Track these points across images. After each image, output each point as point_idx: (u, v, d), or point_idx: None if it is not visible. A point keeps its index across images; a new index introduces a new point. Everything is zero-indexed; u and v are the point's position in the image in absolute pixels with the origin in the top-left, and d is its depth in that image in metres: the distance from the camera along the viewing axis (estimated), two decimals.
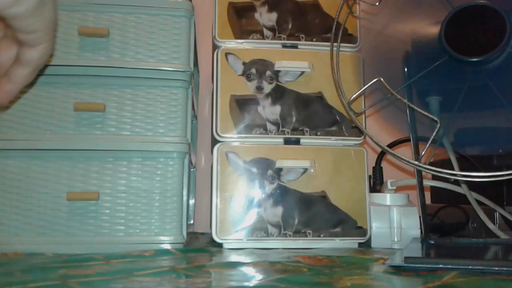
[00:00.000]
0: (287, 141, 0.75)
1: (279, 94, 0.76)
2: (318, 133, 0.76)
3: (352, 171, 0.75)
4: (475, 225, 0.82)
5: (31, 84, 0.69)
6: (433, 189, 0.95)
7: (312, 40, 0.79)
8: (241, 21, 0.78)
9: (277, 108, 0.75)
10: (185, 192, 0.70)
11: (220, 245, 0.72)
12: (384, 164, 0.88)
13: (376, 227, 0.73)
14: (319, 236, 0.73)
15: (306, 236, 0.72)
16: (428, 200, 0.96)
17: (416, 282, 0.43)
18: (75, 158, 0.68)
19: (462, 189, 0.78)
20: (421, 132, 0.68)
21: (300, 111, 0.76)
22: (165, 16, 0.72)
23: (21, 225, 0.66)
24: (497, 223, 0.81)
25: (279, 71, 0.76)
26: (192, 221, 0.98)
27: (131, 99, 0.70)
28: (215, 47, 0.78)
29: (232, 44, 0.77)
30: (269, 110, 0.75)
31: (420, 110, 0.61)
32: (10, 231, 0.66)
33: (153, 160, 0.69)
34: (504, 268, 0.47)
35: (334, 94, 0.77)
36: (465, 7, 0.61)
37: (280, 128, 0.75)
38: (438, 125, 0.58)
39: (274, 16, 0.79)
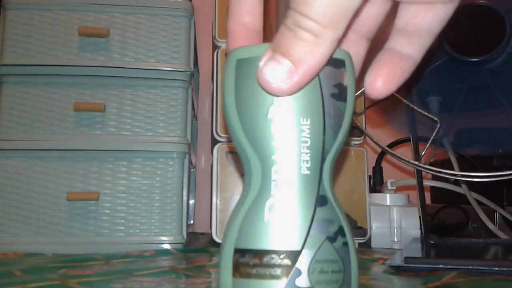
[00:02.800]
0: None
1: None
2: None
3: (352, 171, 0.75)
4: (475, 225, 0.82)
5: (31, 84, 0.69)
6: (433, 189, 0.95)
7: None
8: None
9: None
10: (185, 192, 0.70)
11: (220, 245, 0.71)
12: (384, 164, 0.88)
13: (376, 227, 0.73)
14: None
15: None
16: (428, 200, 0.96)
17: (416, 282, 0.43)
18: (75, 158, 0.68)
19: (462, 189, 0.78)
20: (421, 132, 0.68)
21: None
22: (165, 16, 0.72)
23: (21, 225, 0.66)
24: (497, 223, 0.81)
25: None
26: (192, 221, 0.98)
27: (131, 99, 0.70)
28: (215, 47, 0.78)
29: None
30: None
31: (420, 110, 0.61)
32: (10, 231, 0.66)
33: (153, 160, 0.69)
34: (504, 268, 0.47)
35: None
36: (465, 7, 0.61)
37: None
38: (438, 125, 0.58)
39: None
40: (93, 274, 0.46)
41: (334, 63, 0.27)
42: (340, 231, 0.26)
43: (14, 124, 0.68)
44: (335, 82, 0.26)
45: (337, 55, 0.27)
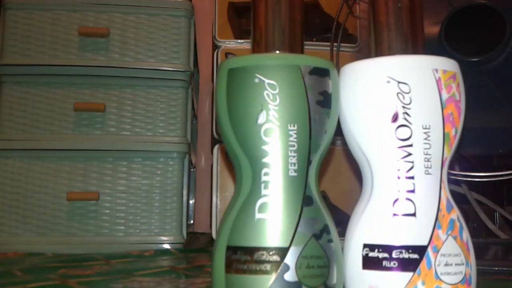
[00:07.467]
0: None
1: None
2: None
3: (352, 171, 0.75)
4: (475, 225, 0.82)
5: (31, 84, 0.69)
6: None
7: (312, 40, 0.78)
8: (241, 21, 0.78)
9: None
10: (185, 192, 0.70)
11: None
12: None
13: None
14: None
15: None
16: None
17: None
18: (75, 158, 0.68)
19: (462, 189, 0.78)
20: None
21: None
22: (165, 16, 0.72)
23: (21, 225, 0.66)
24: (497, 223, 0.81)
25: None
26: (192, 221, 0.98)
27: (131, 99, 0.70)
28: (215, 47, 0.78)
29: (232, 44, 0.77)
30: None
31: None
32: (10, 231, 0.66)
33: (153, 160, 0.69)
34: (504, 268, 0.47)
35: None
36: (465, 7, 0.61)
37: None
38: None
39: None
40: (93, 274, 0.46)
41: (320, 72, 0.28)
42: (325, 229, 0.29)
43: (14, 124, 0.68)
44: (320, 90, 0.28)
45: (322, 65, 0.29)
